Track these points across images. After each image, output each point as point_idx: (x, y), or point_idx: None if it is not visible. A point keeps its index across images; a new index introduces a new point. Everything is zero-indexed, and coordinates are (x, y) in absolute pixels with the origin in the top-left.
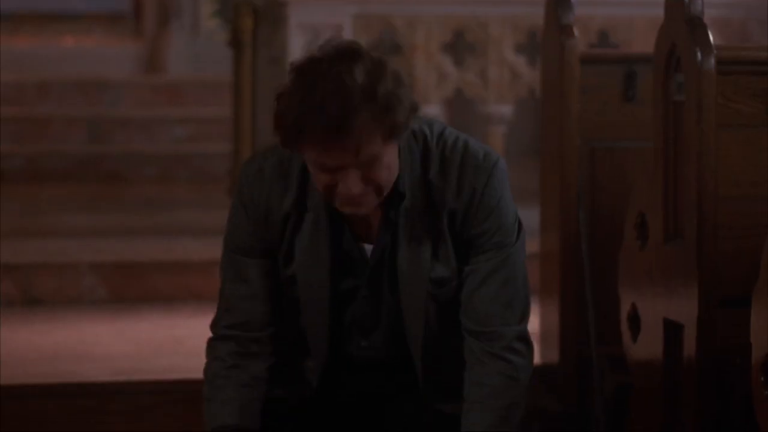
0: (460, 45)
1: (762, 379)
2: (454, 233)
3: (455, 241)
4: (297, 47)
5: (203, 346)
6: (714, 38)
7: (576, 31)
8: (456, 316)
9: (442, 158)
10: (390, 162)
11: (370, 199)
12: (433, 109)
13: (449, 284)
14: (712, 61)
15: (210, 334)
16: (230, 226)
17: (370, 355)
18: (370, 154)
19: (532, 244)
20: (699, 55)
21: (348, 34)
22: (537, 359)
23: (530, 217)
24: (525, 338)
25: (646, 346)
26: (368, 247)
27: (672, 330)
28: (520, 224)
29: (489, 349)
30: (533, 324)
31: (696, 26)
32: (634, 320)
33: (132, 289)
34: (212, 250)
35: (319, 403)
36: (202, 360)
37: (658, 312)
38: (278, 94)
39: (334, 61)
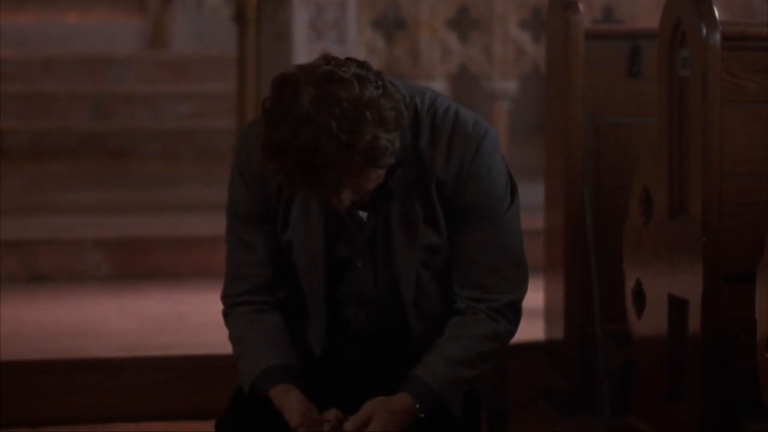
0: (465, 21)
1: (767, 354)
2: (444, 202)
3: (445, 210)
4: (301, 23)
5: (208, 322)
6: (719, 14)
7: (581, 7)
8: (448, 285)
9: (433, 127)
10: (380, 174)
11: (363, 198)
12: (437, 85)
13: (441, 252)
14: (718, 36)
15: (222, 308)
16: (231, 195)
17: (368, 327)
18: (357, 186)
19: (536, 221)
20: (704, 30)
21: (352, 10)
22: (542, 335)
23: (534, 193)
24: (515, 307)
25: (651, 322)
26: (363, 215)
27: (677, 306)
28: (514, 192)
29: (476, 308)
30: (537, 300)
31: (701, 2)
32: (639, 296)
33: (136, 265)
34: (216, 226)
35: (321, 372)
36: (207, 336)
37: (662, 288)
38: (264, 108)
39: (315, 105)
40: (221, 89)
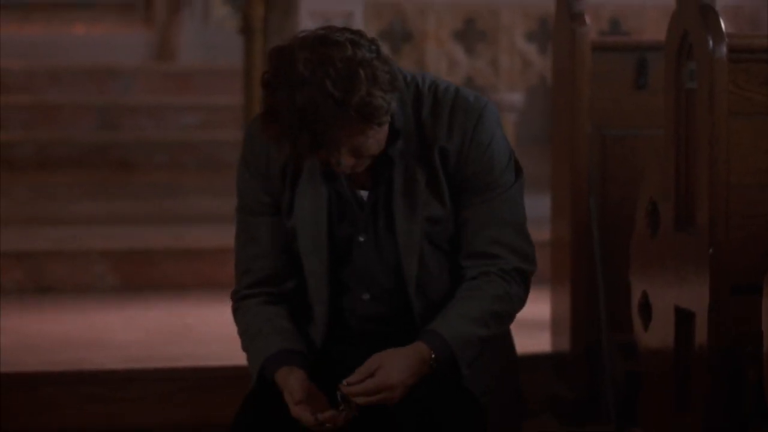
0: (471, 32)
1: None
2: (448, 174)
3: (450, 182)
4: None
5: (214, 333)
6: (726, 26)
7: (587, 19)
8: (451, 267)
9: (435, 100)
10: (380, 137)
11: (364, 163)
12: None
13: (443, 224)
14: (724, 49)
15: (233, 306)
16: (237, 189)
17: (371, 312)
18: (357, 145)
19: (543, 232)
20: (711, 42)
21: (359, 22)
22: (548, 347)
23: (541, 204)
24: (525, 276)
25: (658, 334)
26: (362, 193)
27: (683, 318)
28: (518, 169)
29: (486, 269)
30: (543, 311)
31: (708, 14)
32: (645, 308)
33: (142, 276)
34: (222, 237)
35: (322, 365)
36: (213, 347)
37: (669, 300)
38: (263, 81)
39: (309, 67)
40: (227, 101)
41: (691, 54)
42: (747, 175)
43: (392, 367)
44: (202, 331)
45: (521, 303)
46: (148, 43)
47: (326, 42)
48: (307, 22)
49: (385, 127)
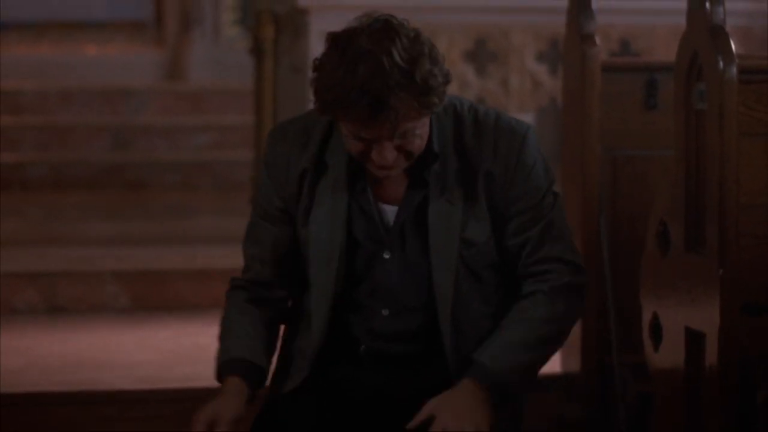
0: (482, 53)
1: None
2: (491, 198)
3: (492, 206)
4: (318, 56)
5: None
6: (736, 47)
7: (597, 40)
8: (483, 288)
9: (476, 122)
10: (423, 132)
11: (401, 164)
12: None
13: (480, 248)
14: (734, 69)
15: (227, 290)
16: (258, 190)
17: (391, 329)
18: (406, 129)
19: None
20: (721, 63)
21: None
22: (558, 368)
23: None
24: (577, 289)
25: (668, 355)
26: (388, 208)
27: (694, 338)
28: (555, 192)
29: (536, 291)
30: None
31: (718, 35)
32: (656, 329)
33: (155, 296)
34: (234, 257)
35: (317, 381)
36: None
37: (679, 320)
38: (317, 64)
39: (374, 40)
40: (239, 121)
41: (700, 75)
42: (757, 196)
43: (447, 415)
44: (215, 351)
45: (571, 320)
46: (159, 63)
47: (389, 24)
48: (317, 43)
49: (428, 127)
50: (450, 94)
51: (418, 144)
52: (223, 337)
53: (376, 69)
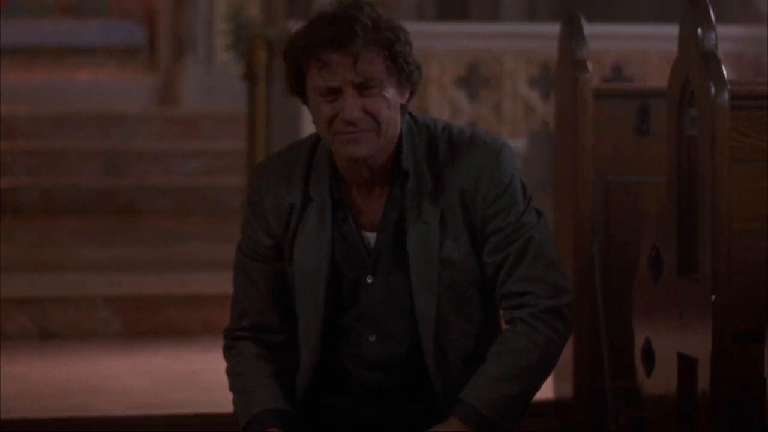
0: (474, 79)
1: None
2: (467, 216)
3: (469, 224)
4: None
5: (218, 379)
6: (728, 73)
7: (590, 65)
8: (465, 307)
9: (450, 141)
10: (390, 101)
11: (370, 137)
12: None
13: (459, 266)
14: (726, 95)
15: (225, 344)
16: (242, 230)
17: (378, 354)
18: (370, 71)
19: None
20: (713, 89)
21: None
22: (551, 394)
23: None
24: (559, 312)
25: (660, 381)
26: (370, 235)
27: (686, 364)
28: (538, 210)
29: (514, 315)
30: None
31: (710, 61)
32: (648, 354)
33: (146, 322)
34: (226, 283)
35: (308, 413)
36: (218, 394)
37: (672, 346)
38: (285, 55)
39: (345, 6)
40: (231, 146)
41: (693, 101)
42: (749, 222)
43: None
44: (207, 377)
45: (556, 345)
46: (151, 89)
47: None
48: None
49: (398, 106)
50: (438, 118)
51: (385, 112)
52: (242, 390)
53: (345, 15)
